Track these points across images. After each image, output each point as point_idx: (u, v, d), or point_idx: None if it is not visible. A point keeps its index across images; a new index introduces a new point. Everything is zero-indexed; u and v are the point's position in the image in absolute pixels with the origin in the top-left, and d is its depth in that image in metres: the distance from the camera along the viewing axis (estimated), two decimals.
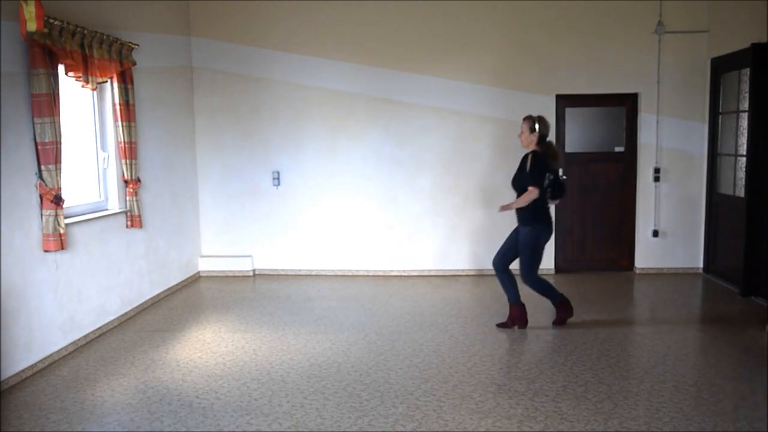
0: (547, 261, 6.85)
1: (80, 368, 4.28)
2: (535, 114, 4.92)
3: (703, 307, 5.81)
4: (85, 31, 4.61)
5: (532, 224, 4.75)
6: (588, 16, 6.59)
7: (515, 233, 4.91)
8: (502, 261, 4.96)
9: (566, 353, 4.40)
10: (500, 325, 5.01)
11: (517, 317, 4.96)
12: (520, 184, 4.82)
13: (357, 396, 3.74)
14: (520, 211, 4.82)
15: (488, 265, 6.83)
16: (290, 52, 6.77)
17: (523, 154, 4.95)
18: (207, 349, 4.62)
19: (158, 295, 5.99)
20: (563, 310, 5.00)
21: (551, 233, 4.87)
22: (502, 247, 4.98)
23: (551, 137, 6.64)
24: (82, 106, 5.14)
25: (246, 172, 6.96)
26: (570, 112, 6.77)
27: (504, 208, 4.88)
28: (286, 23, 6.75)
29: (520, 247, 4.82)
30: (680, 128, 6.66)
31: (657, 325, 5.11)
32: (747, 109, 5.79)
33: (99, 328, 4.98)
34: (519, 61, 6.66)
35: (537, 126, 4.79)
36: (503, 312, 5.34)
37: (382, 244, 6.92)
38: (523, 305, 4.97)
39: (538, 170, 4.69)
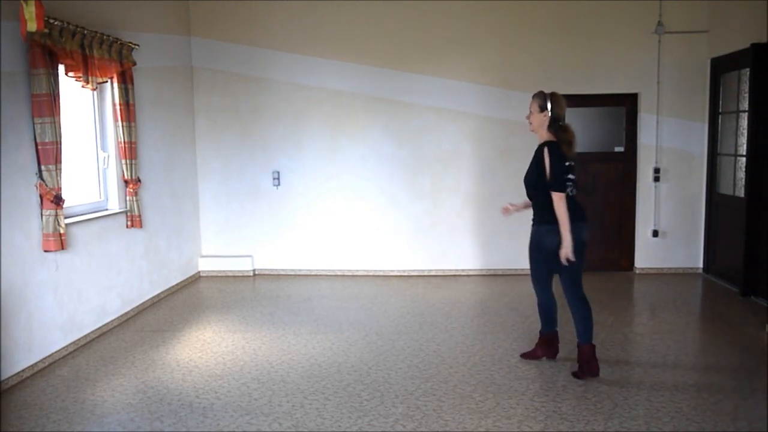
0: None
1: (80, 368, 4.28)
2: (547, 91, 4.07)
3: (703, 307, 5.81)
4: (85, 31, 4.61)
5: (551, 222, 3.85)
6: (588, 16, 6.59)
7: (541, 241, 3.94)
8: (540, 281, 4.09)
9: (566, 353, 4.40)
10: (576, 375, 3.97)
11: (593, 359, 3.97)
12: (536, 183, 3.92)
13: (357, 396, 3.74)
14: (539, 208, 3.96)
15: (488, 265, 6.87)
16: (290, 52, 6.77)
17: (533, 140, 4.23)
18: (207, 349, 4.62)
19: (158, 295, 5.99)
20: (547, 346, 4.23)
21: (585, 232, 3.93)
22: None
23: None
24: (82, 106, 5.14)
25: (246, 172, 6.96)
26: (570, 112, 6.67)
27: (570, 251, 3.78)
28: (286, 23, 6.75)
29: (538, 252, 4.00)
30: (680, 128, 6.66)
31: (657, 325, 5.11)
32: (747, 109, 5.79)
33: (99, 328, 4.98)
34: (519, 61, 6.66)
35: (548, 104, 3.91)
36: (503, 311, 5.36)
37: (382, 244, 6.92)
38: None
39: (559, 168, 3.79)
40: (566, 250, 3.76)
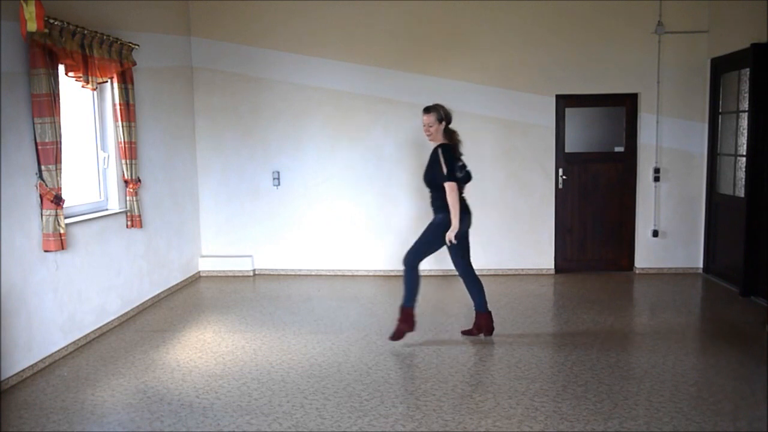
0: (547, 261, 6.87)
1: (80, 368, 4.28)
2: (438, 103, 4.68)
3: (703, 307, 5.81)
4: (86, 31, 4.61)
5: (445, 212, 4.49)
6: (588, 16, 6.58)
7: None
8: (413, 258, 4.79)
9: (566, 353, 4.40)
10: (465, 333, 4.80)
11: (485, 325, 4.73)
12: (433, 180, 4.52)
13: (357, 396, 3.74)
14: (436, 202, 4.57)
15: (488, 264, 6.87)
16: (290, 52, 6.77)
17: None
18: (207, 349, 4.62)
19: (158, 295, 5.99)
20: (407, 321, 4.62)
21: (470, 222, 4.67)
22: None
23: (549, 135, 6.78)
24: (82, 106, 5.14)
25: (246, 172, 6.96)
26: (570, 112, 6.77)
27: (453, 236, 4.47)
28: (286, 23, 6.75)
29: (427, 230, 4.66)
30: (680, 128, 6.66)
31: (657, 325, 5.11)
32: (747, 109, 5.79)
33: (99, 328, 4.98)
34: (519, 61, 6.65)
35: (443, 115, 4.56)
36: (503, 312, 5.36)
37: (382, 244, 6.91)
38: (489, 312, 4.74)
39: (451, 164, 4.44)
40: (452, 232, 4.46)
